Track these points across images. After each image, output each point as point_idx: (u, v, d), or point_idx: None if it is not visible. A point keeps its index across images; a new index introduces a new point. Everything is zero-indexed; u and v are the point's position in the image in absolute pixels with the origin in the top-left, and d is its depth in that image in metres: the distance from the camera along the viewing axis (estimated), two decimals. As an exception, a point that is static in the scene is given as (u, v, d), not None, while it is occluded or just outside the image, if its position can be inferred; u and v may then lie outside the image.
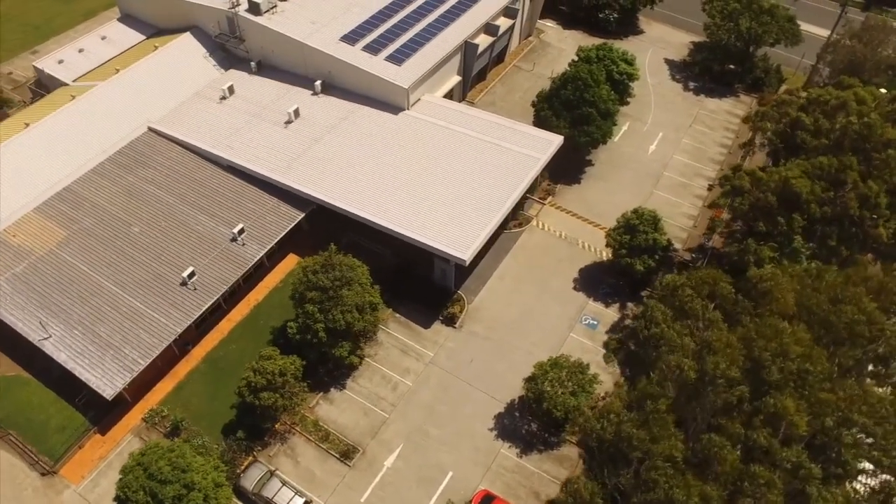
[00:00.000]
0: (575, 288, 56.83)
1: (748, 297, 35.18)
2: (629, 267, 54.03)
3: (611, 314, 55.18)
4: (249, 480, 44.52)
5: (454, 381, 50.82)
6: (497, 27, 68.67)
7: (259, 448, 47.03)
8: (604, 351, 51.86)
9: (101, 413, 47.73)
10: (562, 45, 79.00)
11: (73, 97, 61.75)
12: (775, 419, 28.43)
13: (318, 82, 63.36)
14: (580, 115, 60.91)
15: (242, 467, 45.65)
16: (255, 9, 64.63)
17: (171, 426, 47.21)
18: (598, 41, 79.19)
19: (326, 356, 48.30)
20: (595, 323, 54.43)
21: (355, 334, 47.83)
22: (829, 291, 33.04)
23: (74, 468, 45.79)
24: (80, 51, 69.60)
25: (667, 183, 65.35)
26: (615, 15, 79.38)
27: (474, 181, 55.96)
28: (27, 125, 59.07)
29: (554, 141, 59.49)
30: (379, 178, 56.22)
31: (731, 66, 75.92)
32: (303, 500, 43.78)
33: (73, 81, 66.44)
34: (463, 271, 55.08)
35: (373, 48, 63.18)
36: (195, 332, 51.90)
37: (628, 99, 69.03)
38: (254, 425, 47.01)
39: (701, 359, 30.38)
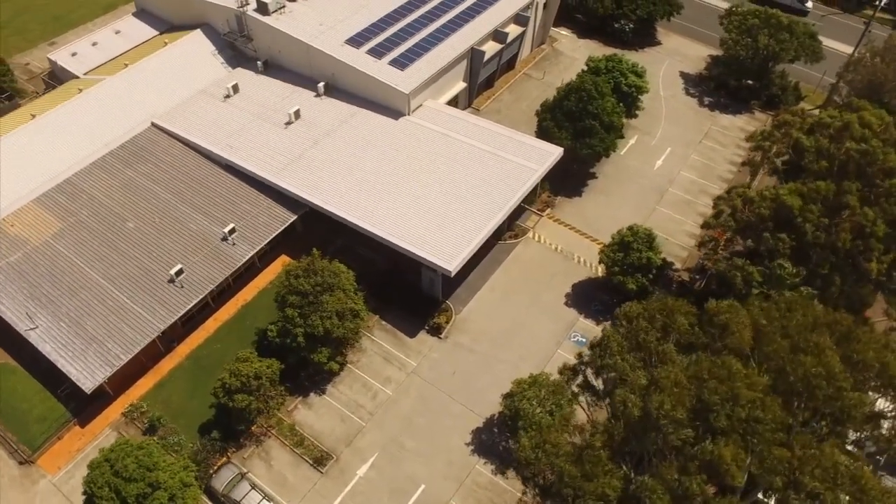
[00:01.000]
0: (566, 303, 55.81)
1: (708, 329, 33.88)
2: (621, 285, 52.93)
3: (600, 332, 53.92)
4: (220, 481, 44.56)
5: (435, 392, 50.25)
6: (506, 34, 67.86)
7: (233, 449, 47.07)
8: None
9: (83, 405, 48.18)
10: (575, 55, 77.80)
11: (81, 90, 62.68)
12: (711, 467, 27.20)
13: (321, 84, 63.33)
14: (583, 127, 59.81)
15: (216, 468, 45.73)
16: (263, 8, 64.86)
17: (148, 423, 47.46)
18: (613, 51, 78.08)
19: (306, 360, 48.18)
20: (584, 340, 53.15)
21: (335, 340, 47.53)
22: (795, 332, 31.51)
23: (52, 459, 46.33)
24: (94, 44, 70.71)
25: (671, 199, 63.85)
26: (630, 25, 77.90)
27: (468, 191, 55.34)
28: (33, 116, 60.09)
29: (553, 153, 58.56)
30: (373, 183, 55.94)
31: (749, 82, 73.98)
32: (270, 504, 43.72)
33: (84, 74, 67.51)
34: (452, 281, 54.40)
35: (377, 52, 62.93)
36: (181, 329, 52.18)
37: (637, 112, 67.69)
38: (230, 426, 47.08)
39: (647, 396, 29.31)
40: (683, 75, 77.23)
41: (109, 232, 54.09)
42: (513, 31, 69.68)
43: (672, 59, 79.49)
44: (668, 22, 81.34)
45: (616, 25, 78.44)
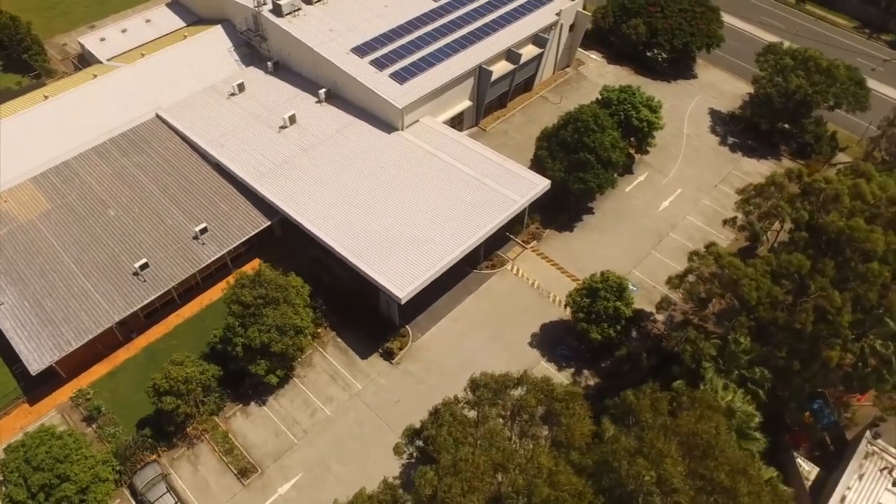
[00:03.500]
0: (530, 343, 53.43)
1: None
2: (584, 333, 50.12)
3: (560, 379, 51.29)
4: (141, 480, 44.92)
5: (373, 419, 49.08)
6: (519, 55, 65.52)
7: (164, 448, 47.41)
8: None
9: (34, 384, 49.51)
10: (600, 80, 74.28)
11: (95, 76, 64.80)
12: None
13: (322, 90, 63.10)
14: (577, 160, 57.05)
15: (142, 465, 46.16)
16: (277, 10, 65.17)
17: (88, 411, 48.39)
18: (643, 80, 74.81)
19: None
20: (540, 385, 50.88)
21: (275, 354, 47.00)
22: (651, 433, 28.20)
23: (-5, 433, 48.04)
24: (123, 31, 73.10)
25: (670, 245, 60.02)
26: (664, 55, 73.84)
27: (443, 216, 53.74)
28: (46, 97, 62.56)
29: (538, 185, 56.12)
30: (349, 197, 55.22)
31: (786, 126, 68.70)
32: (182, 511, 43.74)
33: (108, 60, 69.77)
34: (415, 306, 53.03)
35: (380, 63, 62.06)
36: (143, 321, 53.08)
37: (648, 148, 64.08)
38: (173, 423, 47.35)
39: (443, 477, 27.11)
40: (713, 112, 72.60)
41: (91, 218, 55.61)
42: (529, 52, 67.29)
43: (705, 93, 74.90)
44: (709, 53, 76.83)
45: (648, 54, 74.57)
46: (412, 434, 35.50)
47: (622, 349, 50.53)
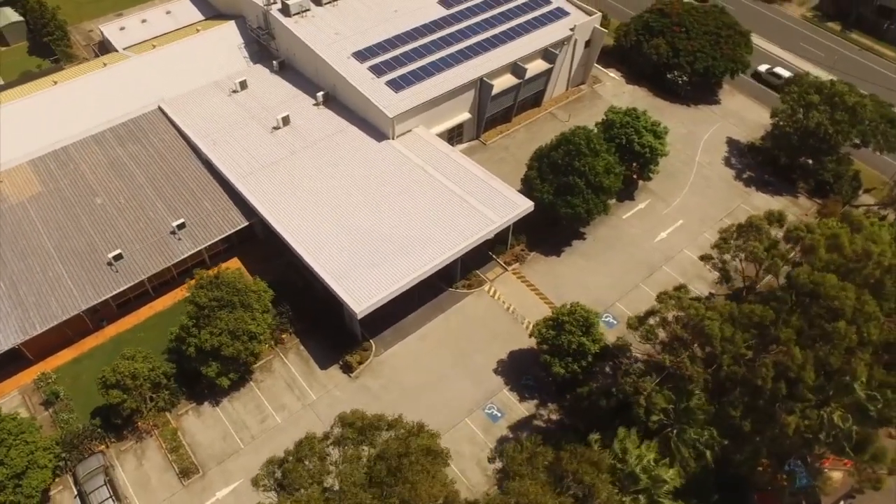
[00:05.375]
0: (496, 370, 51.59)
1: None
2: (547, 366, 47.98)
3: (521, 410, 49.52)
4: (84, 469, 45.22)
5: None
6: (524, 69, 63.48)
7: (113, 440, 47.69)
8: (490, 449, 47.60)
9: (1, 364, 50.47)
10: (615, 101, 71.38)
11: (105, 64, 66.03)
12: None
13: (320, 93, 62.62)
14: (566, 183, 54.83)
15: (89, 454, 46.49)
16: (285, 10, 65.01)
17: (47, 395, 49.07)
18: (660, 103, 71.87)
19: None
20: (499, 415, 49.15)
21: (227, 358, 46.60)
22: (500, 500, 26.11)
23: (-44, 410, 49.14)
24: (143, 21, 74.33)
25: (661, 279, 57.01)
26: (684, 77, 70.42)
27: (418, 230, 52.43)
28: (55, 83, 64.06)
29: (521, 206, 54.16)
30: (328, 203, 54.54)
31: (809, 161, 64.46)
32: (113, 506, 43.74)
33: (123, 49, 71.06)
34: (382, 320, 52.06)
35: (379, 69, 61.10)
36: (115, 311, 53.64)
37: (651, 175, 61.20)
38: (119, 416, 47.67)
39: None
40: (731, 142, 68.87)
41: (78, 205, 56.54)
42: (536, 66, 65.14)
43: (726, 121, 71.11)
44: (732, 79, 72.99)
45: (668, 76, 71.26)
46: (274, 465, 34.37)
47: (585, 386, 48.15)
